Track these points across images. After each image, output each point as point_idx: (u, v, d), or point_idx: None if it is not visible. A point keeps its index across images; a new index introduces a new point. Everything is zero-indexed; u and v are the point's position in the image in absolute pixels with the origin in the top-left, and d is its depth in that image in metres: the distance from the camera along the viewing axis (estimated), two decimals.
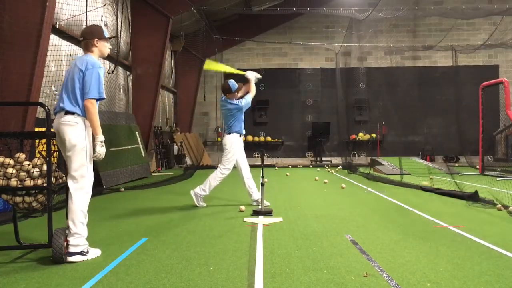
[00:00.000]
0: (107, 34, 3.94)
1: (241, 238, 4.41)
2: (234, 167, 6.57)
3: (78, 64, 3.73)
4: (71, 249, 3.59)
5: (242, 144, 6.62)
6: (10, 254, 3.83)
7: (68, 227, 3.64)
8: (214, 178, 6.47)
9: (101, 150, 3.73)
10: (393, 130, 18.71)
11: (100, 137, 3.70)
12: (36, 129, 6.77)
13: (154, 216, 5.73)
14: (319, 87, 19.10)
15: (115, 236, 4.62)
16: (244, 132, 6.64)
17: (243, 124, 6.61)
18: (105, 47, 3.93)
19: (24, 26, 6.35)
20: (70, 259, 3.56)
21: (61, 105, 3.70)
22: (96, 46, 3.86)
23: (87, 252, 3.68)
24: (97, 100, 3.71)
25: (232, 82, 6.53)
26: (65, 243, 3.55)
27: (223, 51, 18.01)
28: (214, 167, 10.55)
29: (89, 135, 3.74)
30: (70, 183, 3.68)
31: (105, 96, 3.81)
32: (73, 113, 3.67)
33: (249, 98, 6.59)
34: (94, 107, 3.67)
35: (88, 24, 9.04)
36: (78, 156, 3.65)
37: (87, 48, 3.86)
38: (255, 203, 6.54)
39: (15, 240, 3.90)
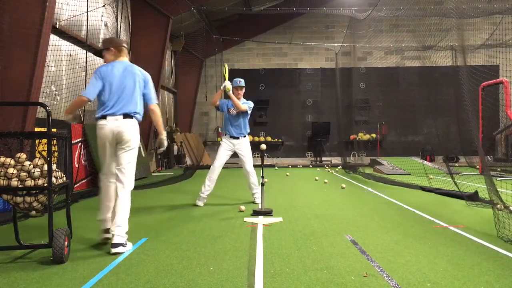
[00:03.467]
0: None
1: (241, 238, 4.41)
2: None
3: (137, 71, 4.24)
4: (117, 240, 3.82)
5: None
6: (10, 254, 3.83)
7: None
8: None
9: (165, 143, 4.35)
10: (393, 130, 18.72)
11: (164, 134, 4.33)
12: (36, 129, 6.77)
13: (154, 216, 5.74)
14: (319, 87, 19.11)
15: None
16: (231, 133, 6.65)
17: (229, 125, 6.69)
18: None
19: (24, 26, 6.34)
20: (115, 250, 3.79)
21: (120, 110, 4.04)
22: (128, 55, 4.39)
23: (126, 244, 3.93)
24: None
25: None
26: (66, 243, 3.56)
27: (223, 51, 18.02)
28: None
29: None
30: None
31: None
32: (132, 117, 4.08)
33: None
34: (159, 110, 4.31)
35: (88, 25, 9.09)
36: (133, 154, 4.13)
37: (125, 54, 4.41)
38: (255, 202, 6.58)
39: (15, 240, 3.89)
